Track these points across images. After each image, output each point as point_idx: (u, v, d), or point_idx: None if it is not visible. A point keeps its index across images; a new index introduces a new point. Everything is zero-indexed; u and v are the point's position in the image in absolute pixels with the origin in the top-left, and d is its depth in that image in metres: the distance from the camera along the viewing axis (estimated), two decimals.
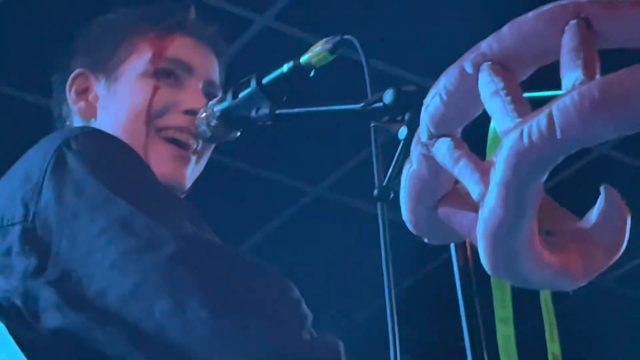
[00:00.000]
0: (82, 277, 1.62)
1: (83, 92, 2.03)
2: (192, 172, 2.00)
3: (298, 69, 1.67)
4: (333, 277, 5.25)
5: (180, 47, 2.01)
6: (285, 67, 1.70)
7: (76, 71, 2.05)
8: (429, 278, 5.34)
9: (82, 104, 2.01)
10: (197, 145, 1.96)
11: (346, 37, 1.58)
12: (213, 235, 1.78)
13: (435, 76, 1.13)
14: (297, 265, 5.12)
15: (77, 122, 2.02)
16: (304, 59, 1.66)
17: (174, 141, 1.95)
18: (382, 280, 1.40)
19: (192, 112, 1.91)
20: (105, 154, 1.74)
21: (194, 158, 1.97)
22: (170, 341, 1.57)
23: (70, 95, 2.04)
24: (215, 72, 2.06)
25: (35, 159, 1.74)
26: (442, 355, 5.40)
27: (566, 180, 4.56)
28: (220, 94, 2.01)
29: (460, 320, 1.28)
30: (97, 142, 1.75)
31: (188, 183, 2.00)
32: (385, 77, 4.00)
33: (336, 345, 1.63)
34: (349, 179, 4.84)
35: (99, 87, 2.02)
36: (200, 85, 2.00)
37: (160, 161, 1.93)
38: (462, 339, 1.28)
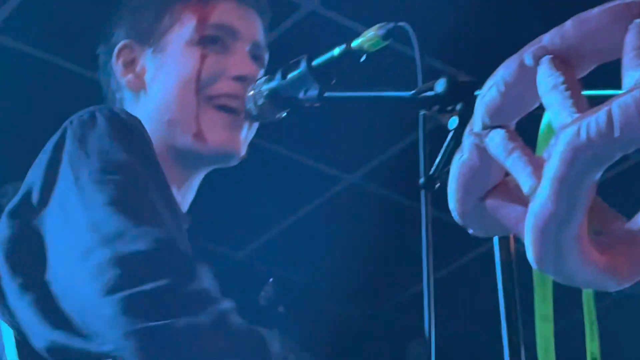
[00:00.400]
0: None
1: (130, 64, 2.02)
2: (245, 136, 1.99)
3: (349, 53, 1.67)
4: (363, 264, 5.29)
5: (224, 12, 2.01)
6: (336, 51, 1.70)
7: (122, 42, 2.04)
8: (465, 269, 5.35)
9: (130, 76, 2.01)
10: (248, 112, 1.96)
11: (400, 24, 1.57)
12: (179, 225, 1.79)
13: (484, 71, 1.14)
14: (329, 251, 5.15)
15: (127, 95, 2.02)
16: (355, 43, 1.66)
17: (225, 109, 1.95)
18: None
19: (241, 78, 1.92)
20: (90, 136, 1.74)
21: (246, 123, 1.97)
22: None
23: (118, 67, 2.04)
24: (260, 33, 2.05)
25: (49, 143, 1.79)
26: (477, 349, 5.41)
27: (609, 181, 4.55)
28: (266, 55, 2.03)
29: (498, 314, 1.29)
30: (90, 123, 1.75)
31: (243, 149, 2.01)
32: (430, 70, 4.04)
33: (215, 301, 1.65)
34: (383, 170, 4.87)
35: (145, 58, 2.02)
36: (247, 48, 2.00)
37: (214, 130, 1.95)
38: (499, 333, 1.29)
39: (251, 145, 2.06)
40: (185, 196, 2.04)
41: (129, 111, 1.94)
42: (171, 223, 1.74)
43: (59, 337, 1.63)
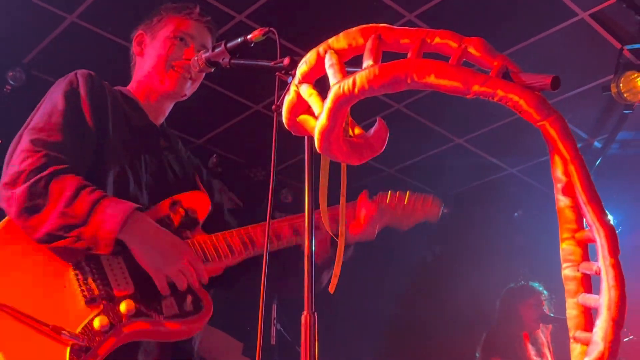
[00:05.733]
0: None
1: (140, 43, 2.25)
2: (190, 88, 2.22)
3: (247, 42, 1.82)
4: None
5: (189, 26, 2.23)
6: (240, 39, 1.84)
7: (139, 31, 2.28)
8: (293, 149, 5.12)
9: (138, 48, 2.24)
10: (191, 75, 2.14)
11: (272, 29, 1.71)
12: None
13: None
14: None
15: (137, 58, 2.27)
16: (249, 37, 1.80)
17: (178, 72, 2.16)
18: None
19: (188, 59, 2.11)
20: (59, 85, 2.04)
21: (190, 81, 2.19)
22: None
23: (134, 43, 2.28)
24: (207, 40, 2.25)
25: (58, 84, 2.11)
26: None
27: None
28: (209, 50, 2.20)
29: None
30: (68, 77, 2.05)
31: (188, 93, 2.21)
32: (284, 49, 4.04)
33: None
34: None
35: (147, 40, 2.23)
36: (197, 47, 2.19)
37: (171, 82, 2.17)
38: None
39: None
40: (159, 115, 2.23)
41: (136, 66, 2.22)
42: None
43: None
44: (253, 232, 2.05)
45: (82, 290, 1.80)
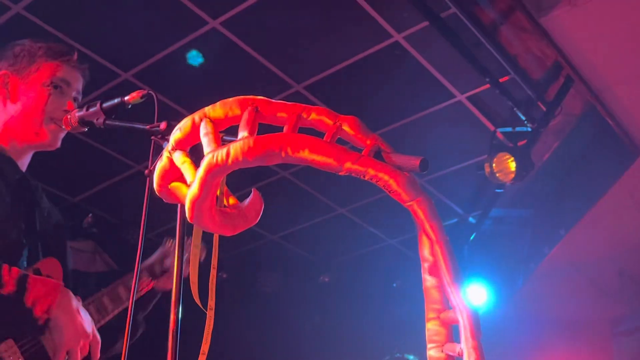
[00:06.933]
0: None
1: (5, 85, 2.09)
2: (61, 137, 2.12)
3: (124, 103, 1.76)
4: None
5: (65, 72, 2.13)
6: (117, 100, 1.78)
7: (3, 71, 2.12)
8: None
9: (4, 91, 2.08)
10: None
11: (150, 92, 1.68)
12: None
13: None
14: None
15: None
16: (127, 98, 1.75)
17: (56, 124, 2.07)
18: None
19: (67, 112, 1.99)
20: None
21: (63, 132, 2.09)
22: None
23: None
24: (81, 86, 2.17)
25: None
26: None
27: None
28: (80, 98, 2.13)
29: None
30: None
31: (59, 144, 2.12)
32: (170, 109, 4.03)
33: None
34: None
35: (15, 83, 2.10)
36: (74, 94, 2.11)
37: (45, 134, 2.07)
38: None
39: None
40: (24, 164, 2.11)
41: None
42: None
43: None
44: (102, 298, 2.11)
45: None
